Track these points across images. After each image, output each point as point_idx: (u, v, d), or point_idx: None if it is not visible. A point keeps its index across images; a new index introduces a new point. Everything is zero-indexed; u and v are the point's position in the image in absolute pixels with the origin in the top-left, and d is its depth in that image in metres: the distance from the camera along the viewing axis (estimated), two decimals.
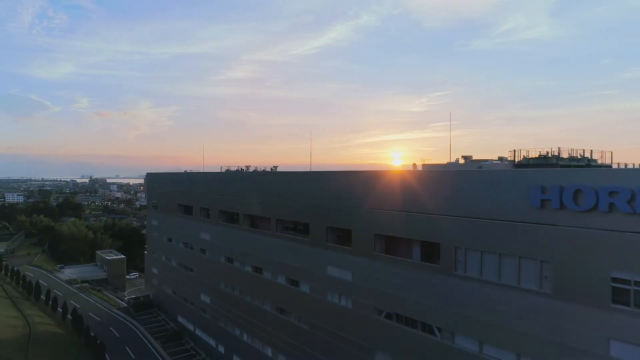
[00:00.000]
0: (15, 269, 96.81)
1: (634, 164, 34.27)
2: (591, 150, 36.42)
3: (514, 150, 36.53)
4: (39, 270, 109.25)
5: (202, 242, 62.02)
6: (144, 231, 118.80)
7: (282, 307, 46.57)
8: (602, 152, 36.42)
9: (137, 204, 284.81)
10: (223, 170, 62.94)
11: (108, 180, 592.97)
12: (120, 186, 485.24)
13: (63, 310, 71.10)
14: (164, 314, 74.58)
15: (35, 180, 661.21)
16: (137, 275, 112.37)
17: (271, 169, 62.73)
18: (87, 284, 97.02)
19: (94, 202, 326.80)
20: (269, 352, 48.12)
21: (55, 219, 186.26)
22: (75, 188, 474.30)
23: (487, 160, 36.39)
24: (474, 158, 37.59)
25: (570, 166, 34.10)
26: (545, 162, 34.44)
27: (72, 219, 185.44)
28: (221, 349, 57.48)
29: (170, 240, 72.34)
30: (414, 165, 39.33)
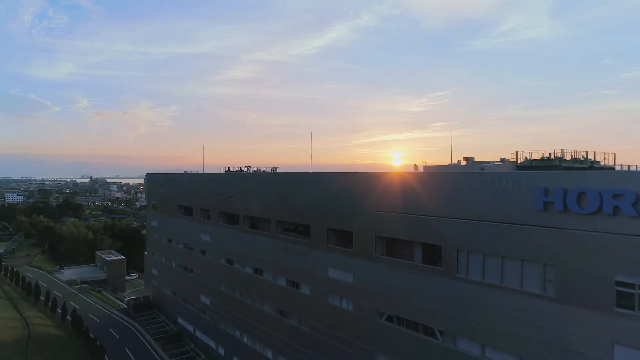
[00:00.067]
0: (15, 269, 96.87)
1: (637, 166, 33.98)
2: (594, 152, 36.17)
3: (516, 152, 36.32)
4: (38, 271, 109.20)
5: (202, 243, 61.77)
6: (143, 232, 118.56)
7: (282, 309, 46.35)
8: (605, 153, 36.19)
9: (137, 204, 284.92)
10: (223, 171, 62.82)
11: (108, 180, 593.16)
12: (120, 186, 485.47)
13: (62, 312, 70.92)
14: (163, 315, 74.37)
15: (35, 180, 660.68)
16: (137, 276, 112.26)
17: (271, 169, 62.63)
18: (86, 285, 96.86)
19: (94, 202, 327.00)
20: (269, 354, 47.90)
21: (55, 219, 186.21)
22: (75, 188, 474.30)
23: (489, 162, 36.13)
24: (475, 159, 37.33)
25: (573, 168, 33.85)
26: (548, 164, 34.20)
27: (72, 219, 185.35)
28: (221, 350, 57.27)
29: (170, 241, 72.11)
30: (415, 166, 39.04)
